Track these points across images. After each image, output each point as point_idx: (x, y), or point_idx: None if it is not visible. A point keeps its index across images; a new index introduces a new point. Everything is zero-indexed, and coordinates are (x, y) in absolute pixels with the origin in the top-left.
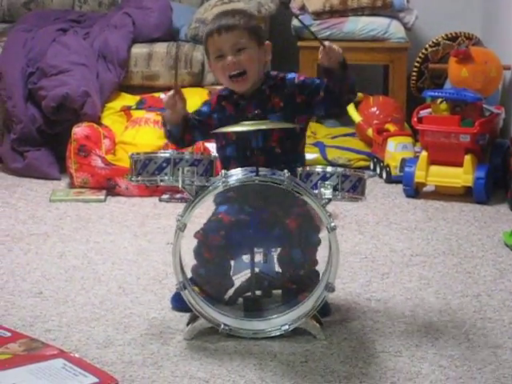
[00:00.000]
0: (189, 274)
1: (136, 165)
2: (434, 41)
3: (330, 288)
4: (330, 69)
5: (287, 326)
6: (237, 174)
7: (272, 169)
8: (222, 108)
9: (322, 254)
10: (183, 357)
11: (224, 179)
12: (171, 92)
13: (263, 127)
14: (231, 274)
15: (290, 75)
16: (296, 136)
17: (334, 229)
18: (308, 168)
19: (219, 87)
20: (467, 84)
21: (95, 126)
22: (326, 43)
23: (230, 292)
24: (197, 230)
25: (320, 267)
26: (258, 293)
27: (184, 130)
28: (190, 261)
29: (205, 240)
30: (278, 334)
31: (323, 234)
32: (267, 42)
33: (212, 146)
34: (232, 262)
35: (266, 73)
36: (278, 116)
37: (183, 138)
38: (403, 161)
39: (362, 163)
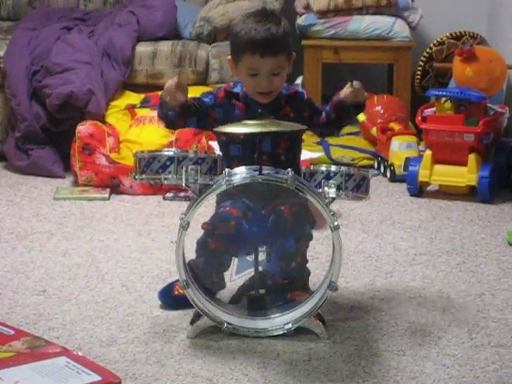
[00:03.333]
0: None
1: (140, 163)
2: (439, 40)
3: (333, 287)
4: (346, 105)
5: (290, 325)
6: (240, 173)
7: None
8: (230, 104)
9: (325, 252)
10: (186, 355)
11: (228, 178)
12: (173, 81)
13: (273, 129)
14: (234, 273)
15: (301, 90)
16: (298, 147)
17: (337, 228)
18: (312, 167)
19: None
20: (471, 83)
21: (99, 124)
22: (355, 83)
23: (232, 291)
24: (205, 222)
25: (324, 266)
26: (261, 291)
27: (180, 115)
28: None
29: (213, 229)
30: (281, 332)
31: (327, 233)
32: (293, 53)
33: (216, 145)
34: (233, 261)
35: None
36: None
37: (176, 122)
38: (407, 160)
39: (366, 162)
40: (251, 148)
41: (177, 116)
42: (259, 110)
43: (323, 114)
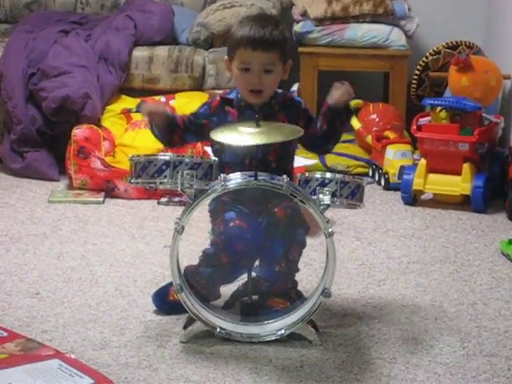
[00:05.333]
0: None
1: (136, 167)
2: (435, 49)
3: (326, 294)
4: (336, 111)
5: (283, 331)
6: (236, 178)
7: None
8: (223, 112)
9: (319, 259)
10: (179, 360)
11: (223, 183)
12: (149, 107)
13: (265, 140)
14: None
15: (297, 98)
16: (290, 155)
17: (331, 234)
18: (307, 174)
19: (219, 91)
20: (467, 93)
21: (95, 127)
22: (341, 83)
23: (226, 296)
24: (214, 237)
25: (317, 273)
26: (254, 297)
27: (170, 133)
28: (187, 264)
29: (228, 246)
30: (274, 338)
31: (321, 240)
32: (290, 61)
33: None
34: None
35: None
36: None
37: (170, 140)
38: (402, 168)
39: (361, 170)
40: (244, 154)
41: (167, 134)
42: (248, 112)
43: (318, 125)
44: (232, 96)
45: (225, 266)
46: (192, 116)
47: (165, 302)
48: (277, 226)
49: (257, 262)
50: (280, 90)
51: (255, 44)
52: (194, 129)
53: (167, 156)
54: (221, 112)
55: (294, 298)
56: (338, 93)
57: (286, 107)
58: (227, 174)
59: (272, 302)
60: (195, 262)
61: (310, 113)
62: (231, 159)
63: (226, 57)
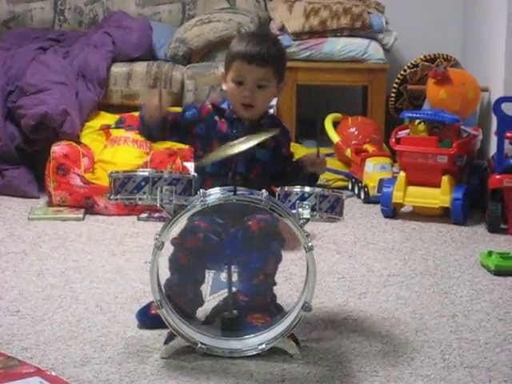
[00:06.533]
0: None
1: (115, 183)
2: (413, 62)
3: (306, 308)
4: (304, 170)
5: (264, 346)
6: (215, 194)
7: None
8: (212, 122)
9: (299, 273)
10: (160, 375)
11: (202, 198)
12: (153, 95)
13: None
14: (208, 293)
15: (285, 126)
16: (269, 174)
17: (311, 249)
18: (286, 188)
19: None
20: (445, 105)
21: (74, 144)
22: (322, 155)
23: (206, 311)
24: (174, 237)
25: (298, 287)
26: (235, 312)
27: (161, 129)
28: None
29: (182, 243)
30: (255, 353)
31: (301, 254)
32: (285, 81)
33: (191, 166)
34: (207, 278)
35: None
36: (265, 153)
37: (158, 135)
38: (381, 181)
39: (341, 183)
40: (227, 167)
41: (159, 129)
42: (238, 127)
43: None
44: (224, 106)
45: (186, 267)
46: (179, 116)
47: (147, 317)
48: (251, 239)
49: (235, 277)
50: (271, 112)
51: (251, 58)
52: (178, 129)
53: (146, 172)
54: (210, 120)
55: (274, 312)
56: (313, 167)
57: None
58: (208, 184)
59: (252, 318)
60: None
61: (290, 147)
62: (213, 170)
63: (222, 70)
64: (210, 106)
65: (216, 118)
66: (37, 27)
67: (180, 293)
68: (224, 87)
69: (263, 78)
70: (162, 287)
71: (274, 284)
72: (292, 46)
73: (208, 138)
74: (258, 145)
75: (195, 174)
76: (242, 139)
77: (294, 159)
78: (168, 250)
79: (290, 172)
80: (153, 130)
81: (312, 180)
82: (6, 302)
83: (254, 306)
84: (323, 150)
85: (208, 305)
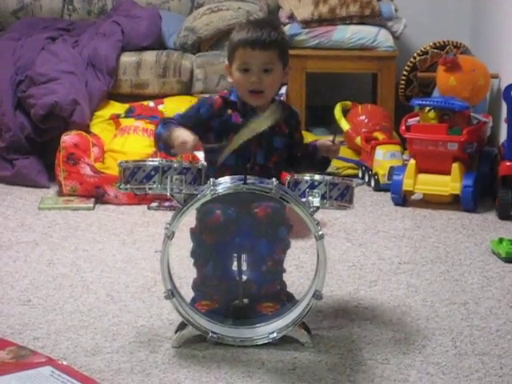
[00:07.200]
0: (189, 295)
1: (125, 173)
2: (422, 49)
3: (317, 296)
4: (316, 156)
5: (275, 334)
6: (225, 183)
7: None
8: (226, 115)
9: (309, 262)
10: (171, 364)
11: (212, 187)
12: (190, 144)
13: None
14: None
15: (295, 109)
16: (284, 161)
17: (321, 237)
18: (296, 176)
19: (208, 95)
20: (455, 92)
21: (84, 134)
22: (336, 141)
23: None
24: (192, 227)
25: (308, 275)
26: (245, 301)
27: None
28: (178, 269)
29: (204, 226)
30: (266, 341)
31: (311, 242)
32: (290, 65)
33: (200, 155)
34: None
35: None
36: (282, 141)
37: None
38: (391, 169)
39: (351, 171)
40: (247, 158)
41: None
42: (251, 114)
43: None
44: (233, 98)
45: (214, 247)
46: (193, 114)
47: None
48: (259, 225)
49: (245, 266)
50: (281, 98)
51: (254, 43)
52: (196, 128)
53: (156, 161)
54: (222, 114)
55: (284, 300)
56: (328, 153)
57: (286, 117)
58: (225, 175)
59: (261, 307)
60: (186, 266)
61: (301, 131)
62: (232, 162)
63: (226, 62)
64: (220, 100)
65: (229, 111)
66: (46, 17)
67: (214, 286)
68: (230, 80)
69: (268, 61)
70: (174, 278)
71: (284, 271)
72: (301, 33)
73: (223, 131)
74: (275, 133)
75: (205, 163)
76: (249, 125)
77: (304, 142)
78: (178, 239)
79: (302, 156)
80: (167, 150)
81: (325, 163)
82: (17, 292)
83: (263, 294)
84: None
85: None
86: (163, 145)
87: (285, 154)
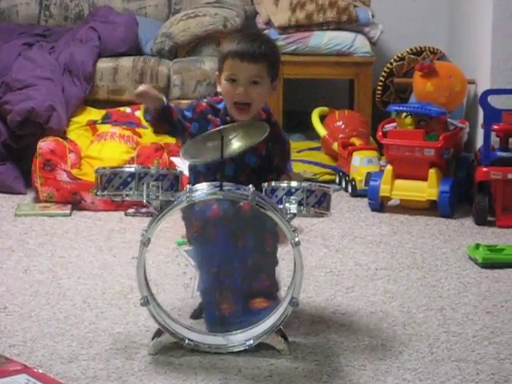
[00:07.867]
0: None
1: (101, 179)
2: (399, 55)
3: (294, 303)
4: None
5: (251, 341)
6: (201, 189)
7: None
8: (205, 120)
9: (286, 268)
10: (148, 371)
11: (188, 194)
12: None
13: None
14: (196, 288)
15: (284, 133)
16: (261, 177)
17: (298, 244)
18: (273, 183)
19: (185, 101)
20: (432, 98)
21: (61, 140)
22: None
23: (194, 307)
24: (192, 231)
25: (285, 282)
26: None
27: (162, 121)
28: (155, 275)
29: (205, 221)
30: (243, 349)
31: (288, 249)
32: (277, 80)
33: (178, 161)
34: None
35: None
36: (255, 160)
37: (160, 127)
38: (368, 175)
39: (328, 177)
40: (216, 168)
41: (159, 121)
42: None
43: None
44: (220, 106)
45: (219, 241)
46: (180, 114)
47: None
48: (244, 219)
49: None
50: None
51: (243, 55)
52: (180, 126)
53: (132, 168)
54: (202, 119)
55: (275, 295)
56: None
57: (271, 138)
58: (200, 181)
59: (254, 303)
60: (163, 273)
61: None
62: (203, 170)
63: (216, 72)
64: (204, 105)
65: (209, 116)
66: (22, 23)
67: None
68: (218, 89)
69: (256, 74)
70: (150, 284)
71: (276, 263)
72: (278, 39)
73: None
74: (249, 150)
75: (182, 170)
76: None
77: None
78: (155, 245)
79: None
80: (158, 119)
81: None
82: None
83: (253, 290)
84: (310, 144)
85: (196, 300)
86: (147, 115)
87: (258, 172)
